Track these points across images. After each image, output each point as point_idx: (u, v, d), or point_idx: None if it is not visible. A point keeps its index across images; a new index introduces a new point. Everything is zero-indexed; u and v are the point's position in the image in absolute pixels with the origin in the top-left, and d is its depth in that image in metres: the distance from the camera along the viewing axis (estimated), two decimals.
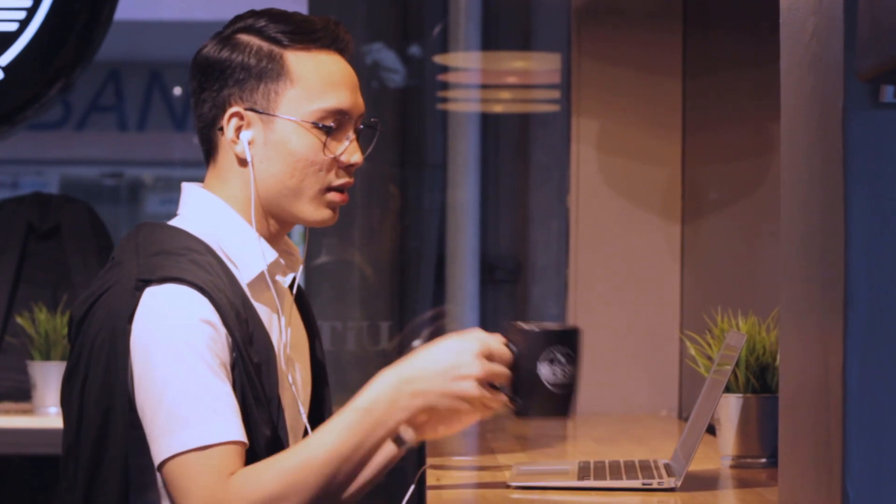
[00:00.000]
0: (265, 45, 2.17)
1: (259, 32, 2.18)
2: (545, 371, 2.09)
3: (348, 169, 2.19)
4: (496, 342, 2.07)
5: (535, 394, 2.08)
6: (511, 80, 5.04)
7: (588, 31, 3.93)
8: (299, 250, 2.30)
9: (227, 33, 2.20)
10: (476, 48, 5.01)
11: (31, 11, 4.25)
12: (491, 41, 5.02)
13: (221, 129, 2.17)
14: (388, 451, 2.10)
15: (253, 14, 2.21)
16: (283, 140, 2.16)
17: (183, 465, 1.97)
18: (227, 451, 1.98)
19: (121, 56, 8.62)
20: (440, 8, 5.05)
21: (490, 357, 2.05)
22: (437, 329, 4.88)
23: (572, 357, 2.10)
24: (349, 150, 2.19)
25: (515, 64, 5.02)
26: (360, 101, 2.21)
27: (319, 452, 2.00)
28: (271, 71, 2.16)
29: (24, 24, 4.25)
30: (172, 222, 2.20)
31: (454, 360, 2.03)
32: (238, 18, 2.22)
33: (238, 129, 2.16)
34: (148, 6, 7.76)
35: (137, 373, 2.02)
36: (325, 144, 2.16)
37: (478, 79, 5.11)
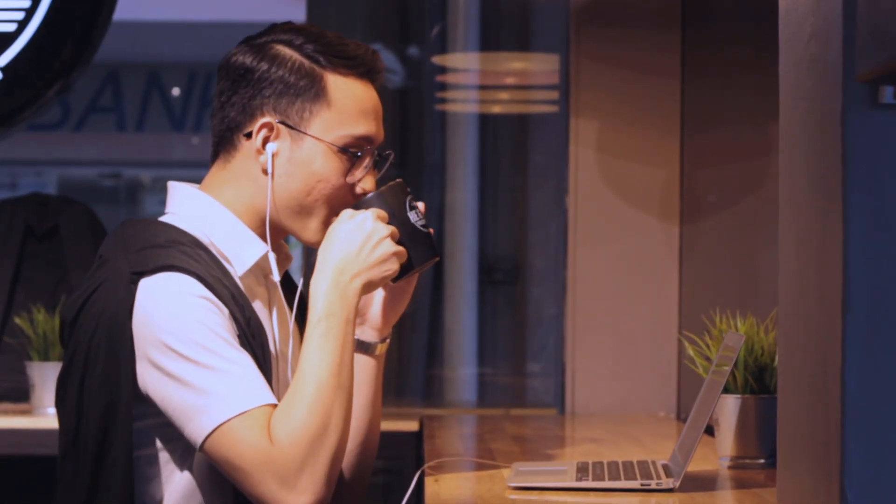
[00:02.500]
0: (306, 63, 2.19)
1: (298, 49, 2.19)
2: (413, 216, 2.21)
3: (358, 196, 2.22)
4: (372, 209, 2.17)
5: (417, 239, 2.20)
6: (509, 80, 5.04)
7: (587, 32, 3.93)
8: (296, 249, 2.31)
9: (261, 42, 2.21)
10: (475, 49, 5.01)
11: (30, 12, 4.25)
12: (489, 42, 5.02)
13: (249, 135, 2.19)
14: (366, 365, 2.28)
15: (291, 29, 2.22)
16: (308, 159, 2.18)
17: (228, 433, 2.00)
18: (264, 412, 2.02)
19: (119, 57, 8.62)
20: (439, 9, 5.05)
21: (382, 219, 2.16)
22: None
23: (414, 199, 2.22)
24: (365, 180, 2.22)
25: (514, 65, 5.02)
26: (383, 131, 2.25)
27: (322, 370, 2.05)
28: (310, 90, 2.18)
29: (22, 24, 4.25)
30: (161, 219, 2.21)
31: (364, 233, 2.13)
32: (274, 28, 2.23)
33: (265, 140, 2.18)
34: (147, 7, 7.75)
35: (154, 363, 2.04)
36: (348, 170, 2.19)
37: (476, 79, 5.10)
